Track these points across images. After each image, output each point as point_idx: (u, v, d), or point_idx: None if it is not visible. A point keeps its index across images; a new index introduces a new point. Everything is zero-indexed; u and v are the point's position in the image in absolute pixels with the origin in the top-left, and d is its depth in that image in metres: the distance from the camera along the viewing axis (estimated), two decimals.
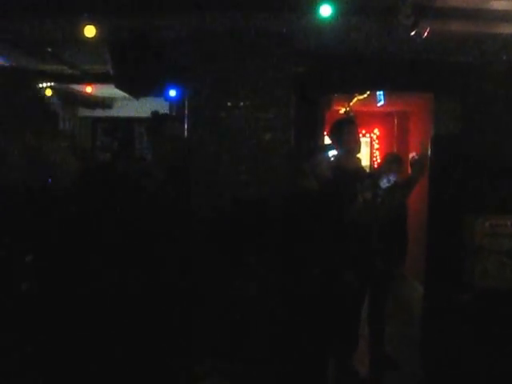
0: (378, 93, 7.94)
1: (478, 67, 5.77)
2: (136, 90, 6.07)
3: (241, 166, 5.23)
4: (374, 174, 5.74)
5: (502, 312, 4.80)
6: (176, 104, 6.77)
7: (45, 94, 8.10)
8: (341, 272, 4.27)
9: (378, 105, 8.41)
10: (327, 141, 5.50)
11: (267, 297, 4.11)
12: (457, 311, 5.00)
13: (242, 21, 4.99)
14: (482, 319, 4.82)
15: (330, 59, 5.90)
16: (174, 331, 3.69)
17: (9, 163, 4.01)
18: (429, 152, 5.76)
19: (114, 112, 10.70)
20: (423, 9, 4.48)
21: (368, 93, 7.66)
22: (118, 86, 6.14)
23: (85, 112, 10.73)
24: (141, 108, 9.20)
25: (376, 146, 10.65)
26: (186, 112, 5.47)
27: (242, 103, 5.32)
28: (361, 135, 7.43)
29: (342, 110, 8.94)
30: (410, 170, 5.91)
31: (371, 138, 10.61)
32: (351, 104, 8.63)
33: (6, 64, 6.99)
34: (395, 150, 9.73)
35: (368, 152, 10.43)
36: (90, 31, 4.80)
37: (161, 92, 6.37)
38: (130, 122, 10.78)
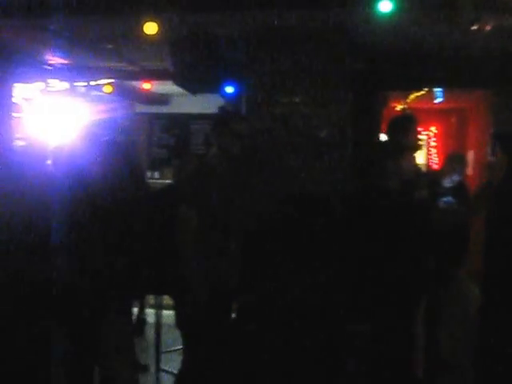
0: (435, 89, 7.82)
1: None
2: (194, 86, 6.14)
3: (297, 163, 5.22)
4: (436, 173, 5.64)
5: None
6: (232, 100, 6.80)
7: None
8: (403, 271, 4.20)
9: (436, 102, 8.29)
10: (383, 138, 5.43)
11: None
12: None
13: (300, 17, 4.98)
14: None
15: (388, 55, 5.84)
16: None
17: None
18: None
19: (170, 108, 10.82)
20: (485, 3, 4.40)
21: (426, 89, 7.56)
22: (177, 83, 6.22)
23: (142, 108, 10.90)
24: (197, 104, 9.31)
25: (433, 143, 10.49)
26: (243, 108, 5.49)
27: (298, 99, 5.31)
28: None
29: (399, 107, 8.85)
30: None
31: (428, 135, 10.47)
32: (408, 101, 8.53)
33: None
34: (453, 149, 9.57)
35: (425, 150, 10.29)
36: (151, 28, 4.86)
37: (217, 88, 6.41)
38: (186, 118, 10.90)
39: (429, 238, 4.32)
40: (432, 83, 6.81)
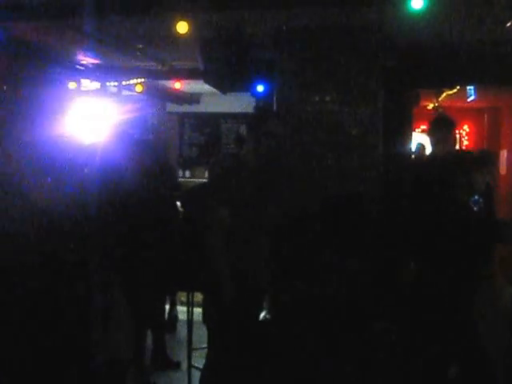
0: (468, 87, 7.73)
1: None
2: (224, 85, 6.16)
3: (328, 161, 5.21)
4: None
5: None
6: (263, 99, 6.81)
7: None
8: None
9: (469, 100, 8.19)
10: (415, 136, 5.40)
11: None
12: None
13: (332, 15, 4.97)
14: None
15: (420, 53, 5.78)
16: None
17: None
18: None
19: (201, 107, 10.87)
20: None
21: (458, 87, 7.47)
22: (207, 81, 6.24)
23: (173, 107, 10.97)
24: (228, 103, 9.35)
25: (465, 142, 10.39)
26: (274, 107, 5.49)
27: (329, 98, 5.30)
28: None
29: (431, 106, 8.77)
30: None
31: (460, 134, 10.36)
32: (440, 99, 8.44)
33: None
34: (485, 148, 9.46)
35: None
36: (182, 27, 4.88)
37: (248, 87, 6.42)
38: (217, 117, 10.94)
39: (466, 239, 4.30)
40: (465, 81, 6.73)
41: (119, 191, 3.93)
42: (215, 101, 10.16)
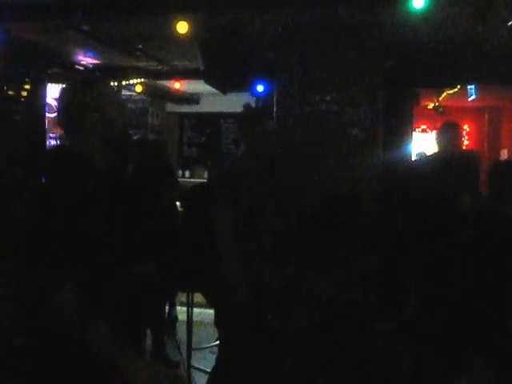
0: (469, 87, 7.72)
1: None
2: (224, 85, 6.15)
3: (328, 161, 5.19)
4: None
5: None
6: (263, 99, 6.80)
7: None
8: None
9: (469, 99, 8.18)
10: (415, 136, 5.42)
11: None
12: None
13: (332, 14, 4.95)
14: None
15: (420, 52, 5.77)
16: None
17: None
18: None
19: (201, 107, 10.87)
20: None
21: (458, 87, 7.46)
22: (207, 81, 6.24)
23: (173, 107, 10.96)
24: (228, 103, 9.33)
25: (466, 142, 10.37)
26: (274, 107, 5.47)
27: (329, 97, 5.28)
28: None
29: (431, 105, 8.75)
30: None
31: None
32: (440, 99, 8.43)
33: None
34: (486, 148, 9.45)
35: None
36: (182, 27, 4.87)
37: (248, 87, 6.41)
38: (217, 117, 10.94)
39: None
40: (465, 80, 6.72)
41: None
42: (215, 101, 10.15)
